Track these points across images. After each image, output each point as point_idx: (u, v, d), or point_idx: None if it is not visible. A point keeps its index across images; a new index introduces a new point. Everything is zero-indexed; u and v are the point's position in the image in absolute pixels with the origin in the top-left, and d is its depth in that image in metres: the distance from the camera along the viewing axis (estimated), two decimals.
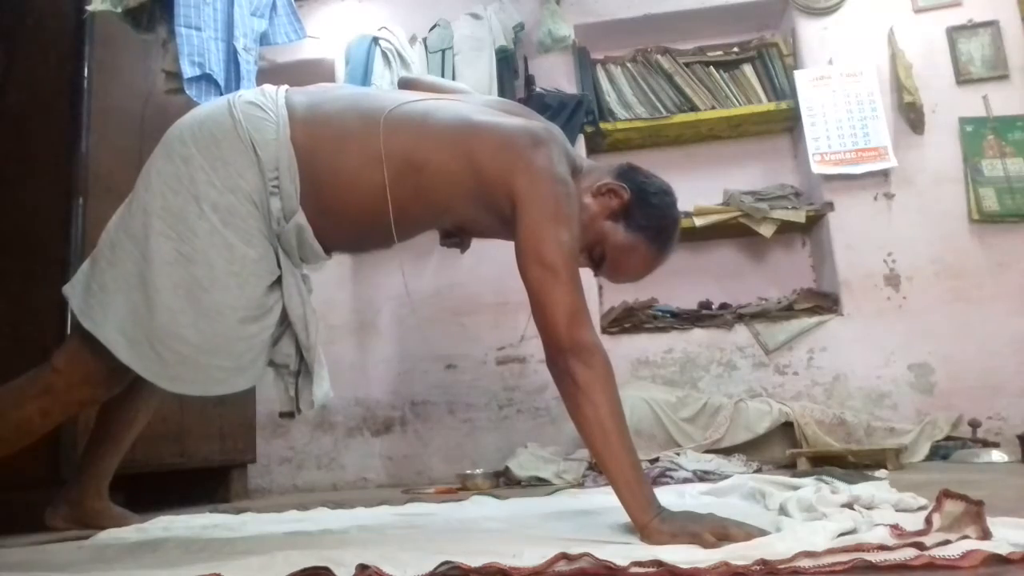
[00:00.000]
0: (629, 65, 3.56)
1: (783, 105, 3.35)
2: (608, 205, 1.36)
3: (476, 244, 1.60)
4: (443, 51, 3.42)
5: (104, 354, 1.26)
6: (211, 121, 1.32)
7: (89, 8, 2.13)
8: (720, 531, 1.02)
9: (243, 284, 1.27)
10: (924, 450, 2.68)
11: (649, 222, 1.36)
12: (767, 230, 3.21)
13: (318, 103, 1.37)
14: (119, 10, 2.16)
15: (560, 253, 1.21)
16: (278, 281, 1.35)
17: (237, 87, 2.32)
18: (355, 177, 1.31)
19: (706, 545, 1.00)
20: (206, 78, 2.21)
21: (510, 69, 3.41)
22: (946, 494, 0.97)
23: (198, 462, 2.56)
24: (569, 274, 1.21)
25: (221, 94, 2.26)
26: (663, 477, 2.30)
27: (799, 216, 3.20)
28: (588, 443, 1.19)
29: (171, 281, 1.24)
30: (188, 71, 2.15)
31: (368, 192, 1.31)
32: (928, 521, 0.96)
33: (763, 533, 1.02)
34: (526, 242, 1.23)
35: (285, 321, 1.39)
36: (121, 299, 1.26)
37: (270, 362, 1.42)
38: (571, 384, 1.17)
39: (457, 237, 1.55)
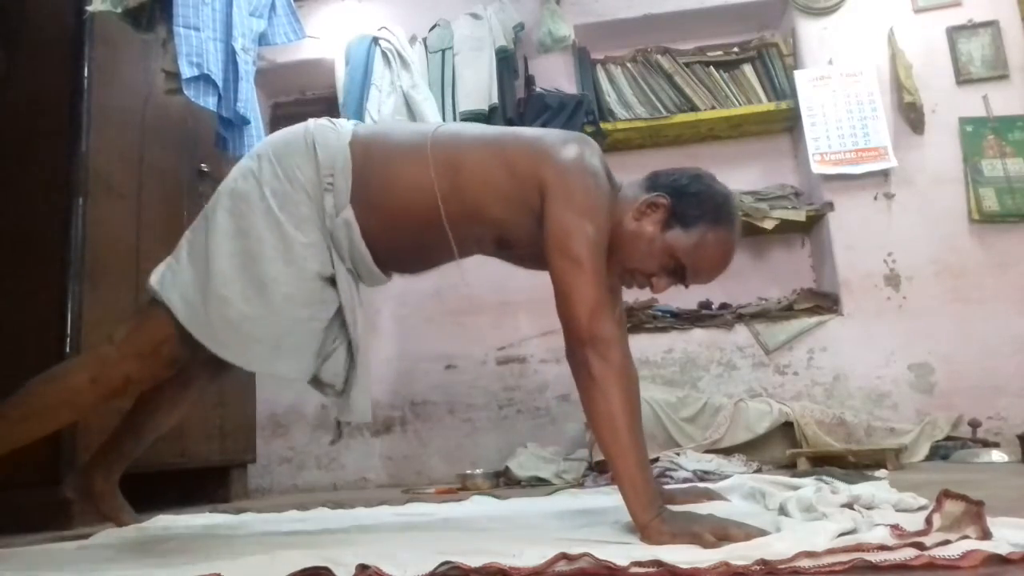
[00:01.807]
0: (629, 65, 3.56)
1: (783, 105, 3.35)
2: (657, 219, 1.35)
3: None
4: (443, 51, 3.42)
5: (157, 327, 1.38)
6: (288, 131, 1.48)
7: (89, 8, 2.13)
8: (720, 531, 1.03)
9: (289, 263, 1.35)
10: (924, 450, 2.68)
11: (702, 210, 1.35)
12: (768, 223, 3.21)
13: (379, 128, 1.54)
14: (119, 10, 2.16)
15: (585, 245, 1.24)
16: (335, 283, 1.40)
17: (235, 87, 2.32)
18: (401, 173, 1.38)
19: (706, 545, 1.00)
20: (204, 78, 2.21)
21: (510, 69, 3.42)
22: (946, 494, 0.97)
23: (198, 462, 2.56)
24: (593, 267, 1.23)
25: (219, 95, 2.26)
26: (663, 477, 2.30)
27: (799, 216, 3.20)
28: (597, 436, 1.20)
29: (227, 250, 1.36)
30: (186, 71, 2.15)
31: (412, 187, 1.37)
32: (928, 521, 0.96)
33: (763, 533, 1.02)
34: (552, 233, 1.26)
35: (338, 340, 1.44)
36: (189, 268, 1.39)
37: (316, 380, 1.45)
38: (587, 376, 1.20)
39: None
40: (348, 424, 1.48)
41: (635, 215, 1.35)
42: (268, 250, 1.35)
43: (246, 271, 1.35)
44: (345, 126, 1.46)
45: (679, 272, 1.37)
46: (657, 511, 1.10)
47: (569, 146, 1.34)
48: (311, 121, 1.48)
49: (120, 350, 1.42)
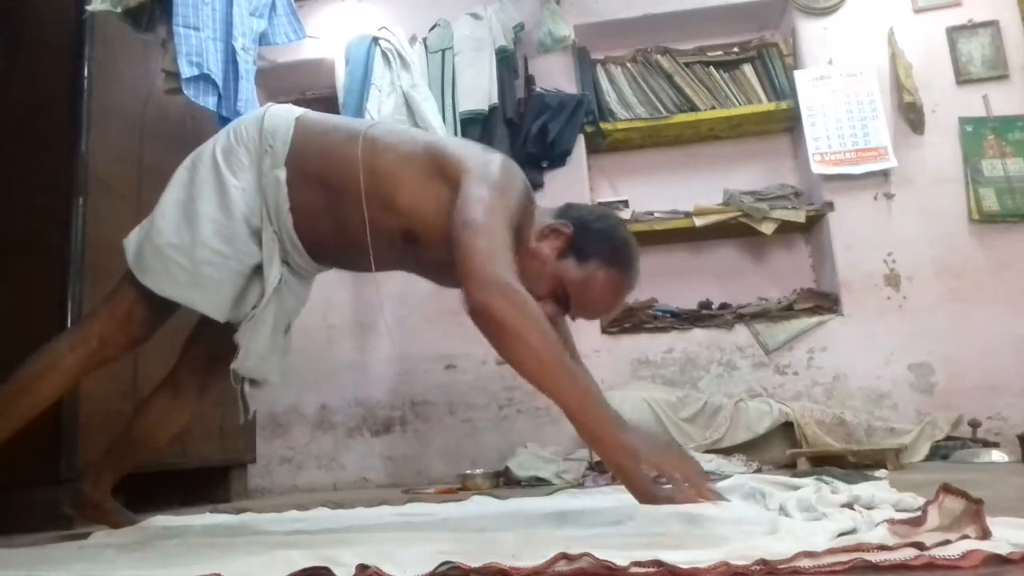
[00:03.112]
0: (629, 65, 3.56)
1: (783, 105, 3.35)
2: (555, 246, 1.37)
3: None
4: (443, 51, 3.42)
5: (127, 288, 1.50)
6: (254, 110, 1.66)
7: (89, 8, 2.13)
8: (682, 471, 1.09)
9: (222, 205, 1.47)
10: (924, 450, 2.68)
11: (598, 247, 1.36)
12: (768, 227, 3.21)
13: (326, 116, 1.61)
14: (119, 10, 2.16)
15: (482, 210, 1.25)
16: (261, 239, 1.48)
17: (236, 87, 2.32)
18: (335, 146, 1.48)
19: (683, 498, 1.03)
20: (204, 78, 2.21)
21: (510, 69, 3.42)
22: (947, 489, 0.97)
23: (198, 462, 2.56)
24: (489, 225, 1.24)
25: (219, 94, 2.26)
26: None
27: (799, 216, 3.20)
28: (527, 377, 1.19)
29: (175, 196, 1.51)
30: (186, 71, 2.15)
31: (340, 158, 1.45)
32: (924, 511, 0.95)
33: (720, 498, 1.08)
34: (458, 208, 1.28)
35: (258, 306, 1.48)
36: (148, 220, 1.52)
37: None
38: (493, 323, 1.18)
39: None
40: (254, 385, 1.52)
41: (537, 237, 1.36)
42: (207, 191, 1.48)
43: (184, 210, 1.48)
44: (297, 109, 1.58)
45: (564, 303, 1.37)
46: (617, 426, 1.12)
47: (493, 155, 1.40)
48: (273, 104, 1.63)
49: (95, 314, 1.54)
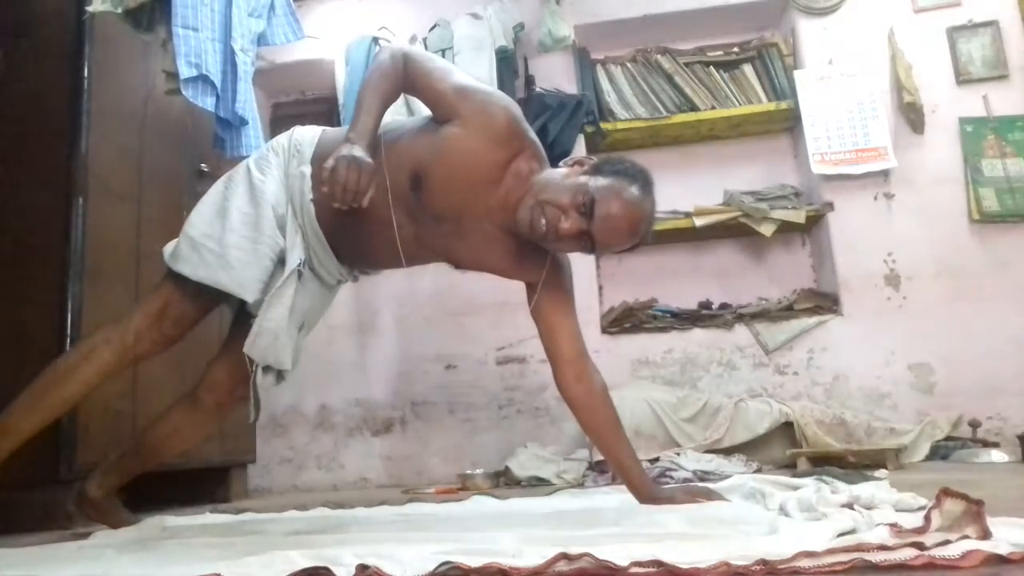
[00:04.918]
0: (629, 65, 3.56)
1: (783, 105, 3.35)
2: (579, 170, 1.45)
3: None
4: (443, 51, 3.41)
5: (163, 289, 1.60)
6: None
7: (89, 8, 2.12)
8: None
9: (251, 197, 1.59)
10: (924, 450, 2.69)
11: (622, 167, 1.44)
12: (767, 229, 3.21)
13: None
14: (119, 10, 2.15)
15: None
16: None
17: (234, 88, 2.31)
18: None
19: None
20: (203, 79, 2.20)
21: (510, 69, 3.41)
22: (946, 492, 0.97)
23: (198, 462, 2.55)
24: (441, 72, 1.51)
25: (217, 95, 2.26)
26: (663, 477, 2.30)
27: (799, 216, 3.20)
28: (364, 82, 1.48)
29: (210, 200, 1.63)
30: (185, 72, 2.15)
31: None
32: (927, 518, 0.96)
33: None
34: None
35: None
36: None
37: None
38: (378, 62, 1.52)
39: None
40: (267, 373, 1.57)
41: (562, 166, 1.49)
42: (239, 191, 1.60)
43: (217, 209, 1.60)
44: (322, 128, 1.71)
45: (588, 211, 1.38)
46: (360, 136, 1.41)
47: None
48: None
49: (132, 311, 1.62)
